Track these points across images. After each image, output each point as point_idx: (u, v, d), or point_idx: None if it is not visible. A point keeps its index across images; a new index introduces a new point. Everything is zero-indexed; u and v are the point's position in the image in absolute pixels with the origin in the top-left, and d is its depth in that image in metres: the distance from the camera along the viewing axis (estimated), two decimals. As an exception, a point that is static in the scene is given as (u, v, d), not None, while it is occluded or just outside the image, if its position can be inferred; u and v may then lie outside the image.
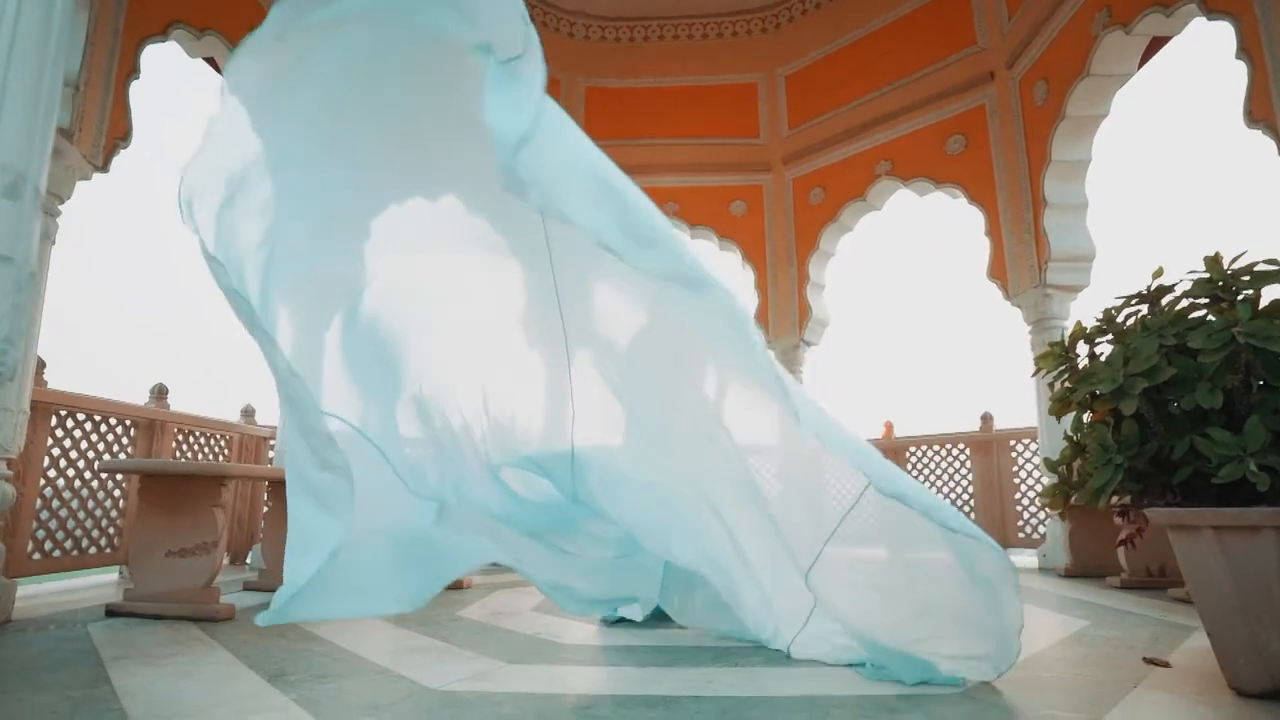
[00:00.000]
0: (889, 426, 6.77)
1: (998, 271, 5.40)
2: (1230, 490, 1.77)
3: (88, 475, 3.90)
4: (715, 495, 2.36)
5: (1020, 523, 5.84)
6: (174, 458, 4.53)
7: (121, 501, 4.13)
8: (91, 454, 3.92)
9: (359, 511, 2.21)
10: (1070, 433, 2.23)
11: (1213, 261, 1.95)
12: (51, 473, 3.68)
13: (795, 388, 2.15)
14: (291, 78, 2.01)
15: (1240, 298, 1.86)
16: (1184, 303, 2.01)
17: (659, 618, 2.80)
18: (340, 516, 1.86)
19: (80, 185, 3.31)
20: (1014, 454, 5.94)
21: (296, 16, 1.91)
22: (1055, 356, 2.27)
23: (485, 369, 2.55)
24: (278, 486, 3.50)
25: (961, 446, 6.28)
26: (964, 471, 6.24)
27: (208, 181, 1.91)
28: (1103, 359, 2.09)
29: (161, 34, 3.73)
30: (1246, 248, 1.93)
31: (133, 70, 3.52)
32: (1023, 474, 5.88)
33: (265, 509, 4.58)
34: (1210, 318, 1.90)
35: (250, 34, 1.90)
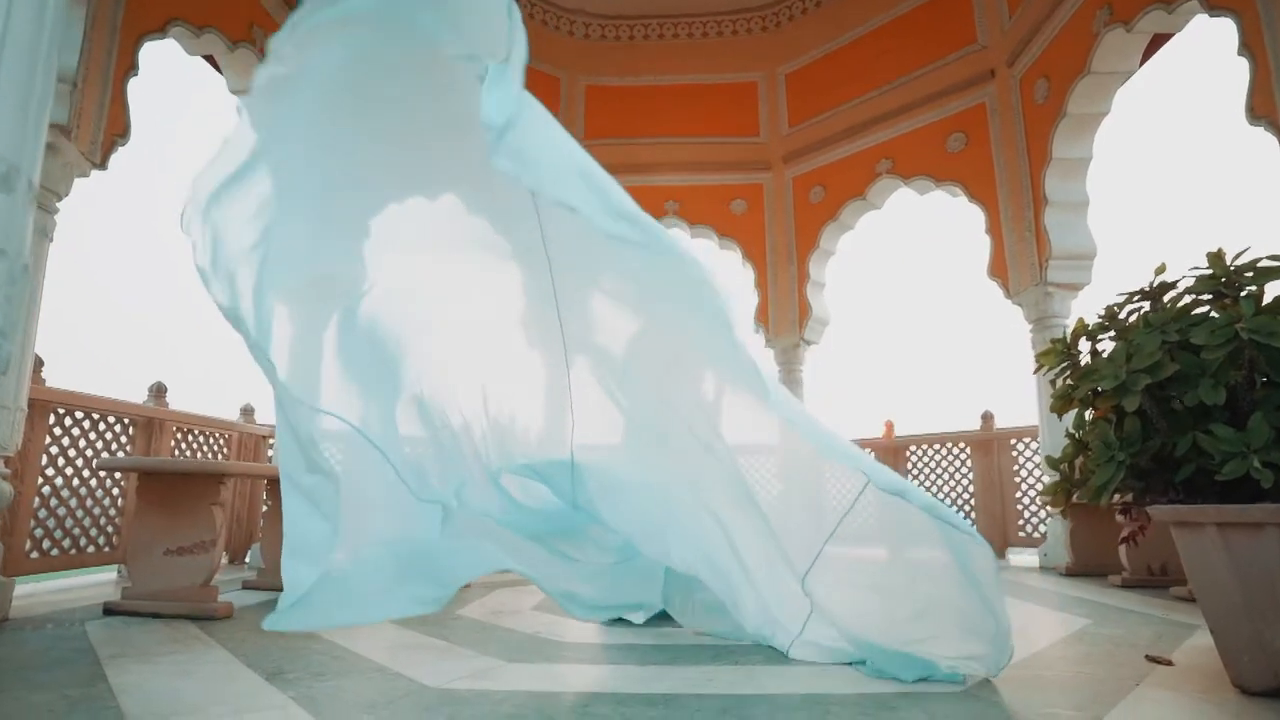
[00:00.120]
0: (889, 425, 6.76)
1: (998, 270, 5.39)
2: (1233, 487, 1.76)
3: (86, 474, 3.89)
4: (714, 500, 2.36)
5: (1021, 521, 5.83)
6: (173, 456, 4.52)
7: (120, 500, 4.12)
8: (90, 452, 3.91)
9: (362, 516, 2.20)
10: (1072, 430, 2.22)
11: (1216, 257, 1.94)
12: (50, 471, 3.67)
13: (777, 385, 2.19)
14: (293, 78, 2.02)
15: (1243, 294, 1.85)
16: (1186, 299, 2.00)
17: (660, 617, 2.79)
18: (330, 518, 1.84)
19: (78, 183, 3.29)
20: (1015, 453, 5.93)
21: (304, 18, 1.93)
22: (1057, 353, 2.26)
23: (485, 370, 2.54)
24: (276, 485, 3.48)
25: (962, 445, 6.27)
26: (964, 470, 6.23)
27: (213, 187, 1.92)
28: (1105, 356, 2.08)
29: (160, 31, 3.71)
30: (1249, 244, 1.92)
31: (131, 67, 3.51)
32: (1023, 473, 5.87)
33: (264, 508, 4.56)
34: (1213, 314, 1.89)
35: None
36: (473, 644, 2.43)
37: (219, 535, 3.00)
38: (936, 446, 6.45)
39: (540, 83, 6.95)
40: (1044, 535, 5.45)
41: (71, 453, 3.79)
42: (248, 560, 5.22)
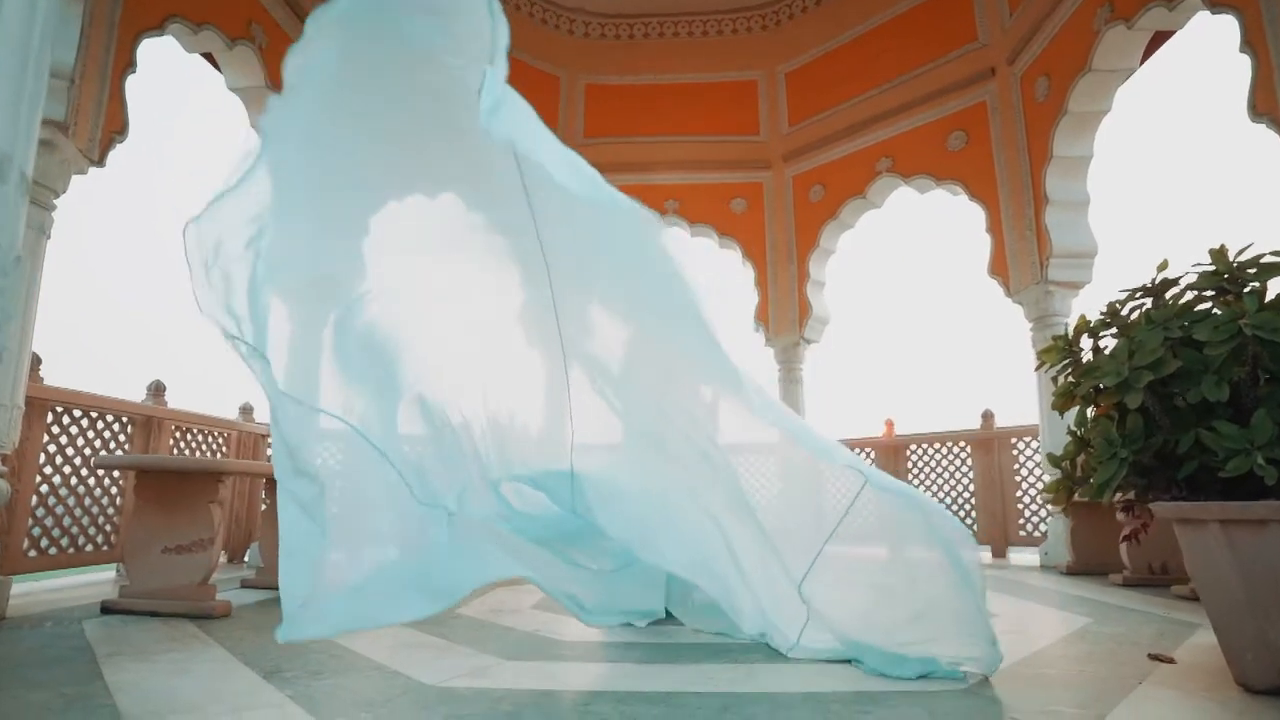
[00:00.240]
0: (889, 424, 6.75)
1: (999, 268, 5.38)
2: (1236, 484, 1.75)
3: (84, 472, 3.88)
4: (711, 507, 2.39)
5: (1021, 520, 5.82)
6: (171, 455, 4.51)
7: (118, 499, 4.11)
8: (88, 451, 3.90)
9: (362, 516, 2.19)
10: (1074, 427, 2.21)
11: (1218, 254, 1.93)
12: (48, 469, 3.66)
13: (759, 389, 2.27)
14: (293, 81, 2.02)
15: (1247, 290, 1.84)
16: (1189, 295, 1.99)
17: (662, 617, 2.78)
18: (316, 520, 1.83)
19: (76, 180, 3.28)
20: (1015, 451, 5.92)
21: (310, 20, 1.95)
22: (1059, 350, 2.25)
23: (485, 370, 2.54)
24: (275, 484, 3.48)
25: (962, 444, 6.26)
26: (965, 469, 6.22)
27: (217, 191, 1.93)
28: (1107, 352, 2.07)
29: (158, 28, 3.70)
30: (1251, 241, 1.91)
31: (129, 64, 3.49)
32: (1024, 472, 5.86)
33: (263, 506, 4.56)
34: (1216, 310, 1.88)
35: None
36: (471, 642, 2.42)
37: (217, 533, 2.99)
38: (937, 445, 6.44)
39: (540, 81, 6.95)
40: (1044, 534, 5.44)
41: (70, 451, 3.78)
42: (246, 559, 5.20)
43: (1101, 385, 2.02)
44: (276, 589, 2.01)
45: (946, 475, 6.33)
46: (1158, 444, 1.88)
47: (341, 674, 1.94)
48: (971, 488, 6.14)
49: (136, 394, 4.41)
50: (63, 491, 3.74)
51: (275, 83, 4.63)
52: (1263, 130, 3.23)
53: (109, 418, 4.06)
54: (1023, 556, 5.73)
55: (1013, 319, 6.33)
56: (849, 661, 2.08)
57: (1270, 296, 1.81)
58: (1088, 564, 4.52)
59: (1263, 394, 1.76)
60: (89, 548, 3.90)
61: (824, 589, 2.22)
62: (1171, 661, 2.09)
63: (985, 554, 5.91)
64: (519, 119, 1.91)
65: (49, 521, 3.65)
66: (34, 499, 3.56)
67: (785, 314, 6.83)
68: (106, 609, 2.88)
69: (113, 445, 4.09)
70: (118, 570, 4.16)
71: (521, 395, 2.61)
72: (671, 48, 7.13)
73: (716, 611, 2.46)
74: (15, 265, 1.22)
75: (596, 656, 2.28)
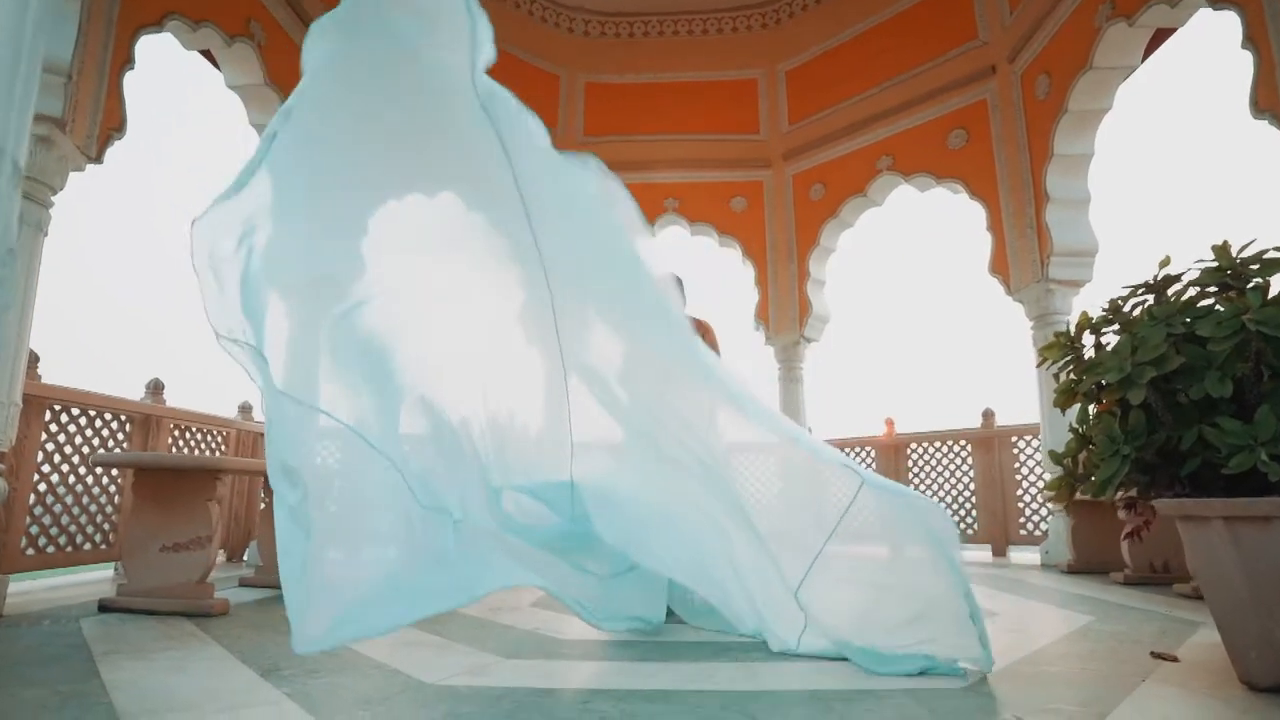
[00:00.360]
0: (890, 423, 6.74)
1: (999, 267, 5.37)
2: (1239, 481, 1.74)
3: (82, 471, 3.86)
4: (711, 514, 2.40)
5: (1022, 520, 5.81)
6: (170, 453, 4.50)
7: (117, 497, 4.10)
8: (86, 449, 3.89)
9: (360, 517, 2.17)
10: (1076, 424, 2.20)
11: (1221, 249, 1.92)
12: (46, 468, 3.65)
13: (728, 376, 2.32)
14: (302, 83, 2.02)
15: (1250, 285, 1.83)
16: (1192, 291, 1.98)
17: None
18: (301, 525, 1.82)
19: (74, 177, 3.27)
20: (1016, 450, 5.92)
21: (314, 25, 1.97)
22: (1060, 347, 2.24)
23: (486, 370, 2.53)
24: (274, 482, 3.46)
25: (963, 443, 6.25)
26: (965, 468, 6.21)
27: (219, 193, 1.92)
28: (1109, 349, 2.06)
29: (156, 24, 3.69)
30: (1254, 237, 1.90)
31: (127, 60, 3.48)
32: (1024, 470, 5.85)
33: (261, 505, 4.54)
34: (1219, 306, 1.87)
35: None
36: (470, 640, 2.41)
37: (215, 531, 2.98)
38: (937, 444, 6.43)
39: (540, 80, 6.94)
40: (1045, 533, 5.43)
41: (68, 449, 3.77)
42: (245, 558, 5.19)
43: (1104, 382, 2.00)
44: (275, 587, 2.00)
45: (947, 474, 6.32)
46: (1160, 440, 1.87)
47: (339, 672, 1.93)
48: (972, 487, 6.13)
49: (135, 392, 4.40)
50: (61, 490, 3.72)
51: (274, 80, 4.62)
52: (1264, 127, 3.22)
53: (107, 416, 4.05)
54: (1023, 555, 5.72)
55: (1013, 317, 6.33)
56: (848, 659, 2.07)
57: (1274, 292, 1.80)
58: (1088, 563, 4.51)
59: (1266, 390, 1.75)
60: (87, 546, 3.89)
61: (823, 591, 2.22)
62: (1174, 660, 2.07)
63: (986, 553, 5.91)
64: (509, 116, 1.95)
65: (47, 520, 3.64)
66: (32, 497, 3.55)
67: (785, 313, 6.82)
68: (104, 607, 2.87)
69: (111, 444, 4.07)
70: (116, 569, 4.14)
71: (521, 395, 2.60)
72: (671, 46, 7.12)
73: (716, 611, 2.47)
74: (10, 257, 1.21)
75: (596, 655, 2.27)
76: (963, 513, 6.15)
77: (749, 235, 7.06)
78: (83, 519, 3.87)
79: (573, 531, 2.56)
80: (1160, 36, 4.40)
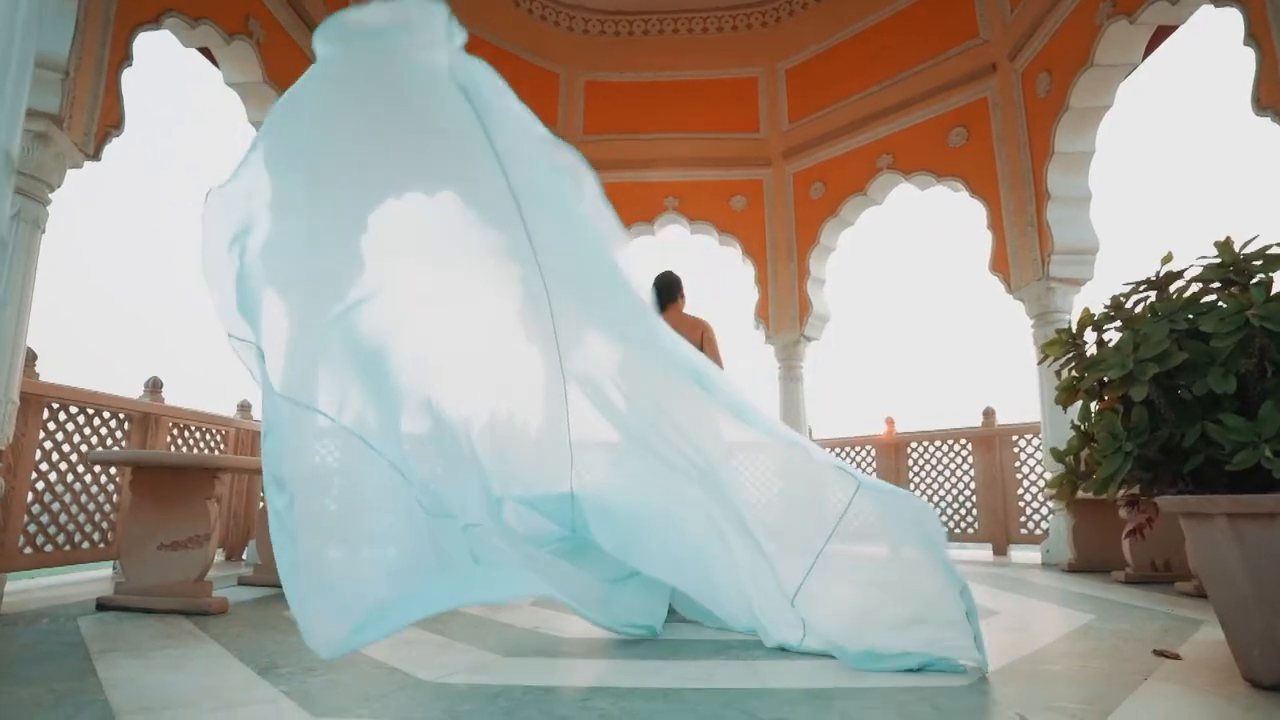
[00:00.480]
0: (890, 422, 6.73)
1: (1000, 265, 5.36)
2: (1243, 478, 1.73)
3: (80, 469, 3.85)
4: (713, 519, 2.40)
5: (1023, 518, 5.80)
6: (168, 451, 4.49)
7: (115, 496, 4.09)
8: (85, 447, 3.87)
9: (359, 517, 2.16)
10: (1077, 422, 2.19)
11: (1224, 245, 1.91)
12: (44, 466, 3.63)
13: (721, 378, 2.30)
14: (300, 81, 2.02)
15: (1254, 281, 1.81)
16: (1194, 288, 1.97)
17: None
18: (286, 528, 1.80)
19: (71, 174, 3.26)
20: (1016, 449, 5.91)
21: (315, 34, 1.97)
22: (1062, 344, 2.23)
23: (486, 372, 2.53)
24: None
25: (963, 442, 6.24)
26: (966, 467, 6.20)
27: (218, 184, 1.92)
28: (1111, 345, 2.05)
29: (154, 21, 3.67)
30: (1257, 233, 1.89)
31: (125, 57, 3.47)
32: (1025, 469, 5.84)
33: (260, 504, 4.53)
34: (1221, 302, 1.86)
35: None
36: (470, 638, 2.40)
37: (213, 530, 2.97)
38: (938, 443, 6.42)
39: (539, 78, 6.93)
40: (1046, 532, 5.41)
41: (66, 448, 3.76)
42: (245, 556, 5.18)
43: (1106, 378, 1.99)
44: (273, 586, 1.99)
45: (947, 473, 6.31)
46: (1163, 437, 1.86)
47: (338, 670, 1.92)
48: (973, 485, 6.12)
49: (134, 391, 4.39)
50: (59, 488, 3.71)
51: (273, 78, 4.61)
52: (1267, 124, 3.21)
53: (105, 414, 4.04)
54: (1024, 554, 5.71)
55: (1014, 316, 6.32)
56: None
57: (1277, 288, 1.79)
58: (1089, 561, 4.50)
59: (1270, 386, 1.73)
60: (85, 545, 3.88)
61: (822, 591, 2.23)
62: (1177, 657, 2.06)
63: (987, 552, 5.90)
64: (496, 109, 1.97)
65: (45, 518, 3.63)
66: (30, 496, 3.53)
67: (785, 311, 6.81)
68: (102, 605, 2.86)
69: (109, 442, 4.06)
70: (115, 568, 4.13)
71: (521, 395, 2.60)
72: (671, 44, 7.11)
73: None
74: (1, 248, 1.20)
75: (595, 653, 2.26)
76: (963, 512, 6.14)
77: (749, 234, 7.05)
78: (81, 517, 3.86)
79: (572, 539, 2.56)
80: (1161, 34, 4.38)
